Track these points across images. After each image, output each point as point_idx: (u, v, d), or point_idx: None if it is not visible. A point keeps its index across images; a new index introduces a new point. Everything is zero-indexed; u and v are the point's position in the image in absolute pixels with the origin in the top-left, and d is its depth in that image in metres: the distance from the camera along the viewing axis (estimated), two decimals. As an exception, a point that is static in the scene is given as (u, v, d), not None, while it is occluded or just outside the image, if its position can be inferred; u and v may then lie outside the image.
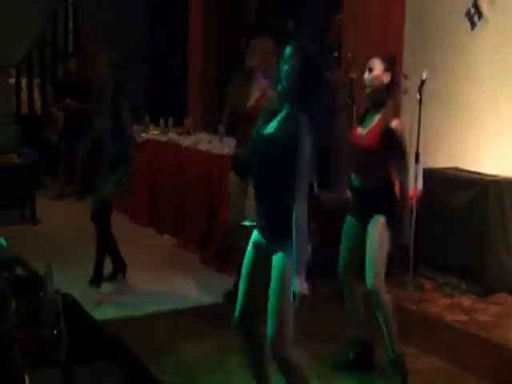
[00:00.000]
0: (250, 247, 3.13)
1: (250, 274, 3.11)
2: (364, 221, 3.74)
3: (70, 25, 10.50)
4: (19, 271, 3.13)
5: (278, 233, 2.97)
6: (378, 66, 3.77)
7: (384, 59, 3.80)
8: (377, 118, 3.75)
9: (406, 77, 5.49)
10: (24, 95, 10.41)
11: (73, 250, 5.40)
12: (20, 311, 2.71)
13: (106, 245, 5.33)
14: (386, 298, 3.67)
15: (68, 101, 8.61)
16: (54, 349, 2.45)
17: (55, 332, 2.55)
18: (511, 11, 5.17)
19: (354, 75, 5.36)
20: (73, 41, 10.48)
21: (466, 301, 4.80)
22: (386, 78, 3.76)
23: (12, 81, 9.86)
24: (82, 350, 2.50)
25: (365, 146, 3.74)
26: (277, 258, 2.94)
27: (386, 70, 3.77)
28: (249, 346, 3.20)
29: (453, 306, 4.70)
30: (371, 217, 3.70)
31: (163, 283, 5.63)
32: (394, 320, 3.67)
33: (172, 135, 7.65)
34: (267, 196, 3.02)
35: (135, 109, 5.95)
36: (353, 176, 3.83)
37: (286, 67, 2.96)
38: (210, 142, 7.03)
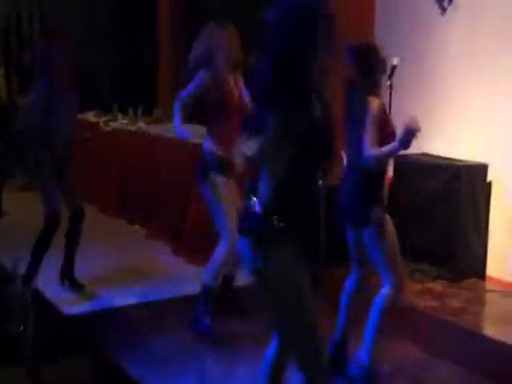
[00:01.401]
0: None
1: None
2: None
3: (36, 13, 10.40)
4: (-15, 266, 3.10)
5: None
6: None
7: None
8: None
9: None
10: (-11, 85, 10.28)
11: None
12: (-14, 307, 2.68)
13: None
14: None
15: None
16: (20, 346, 2.43)
17: (22, 328, 2.53)
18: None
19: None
20: (40, 26, 10.36)
21: (438, 287, 4.83)
22: None
23: (-24, 70, 9.74)
24: (51, 346, 2.48)
25: None
26: None
27: None
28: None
29: (424, 292, 4.73)
30: None
31: (134, 275, 5.61)
32: None
33: (141, 124, 7.60)
34: None
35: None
36: None
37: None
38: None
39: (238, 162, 2.78)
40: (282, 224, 2.44)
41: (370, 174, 3.52)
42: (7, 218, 7.42)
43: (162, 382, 3.80)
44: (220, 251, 4.46)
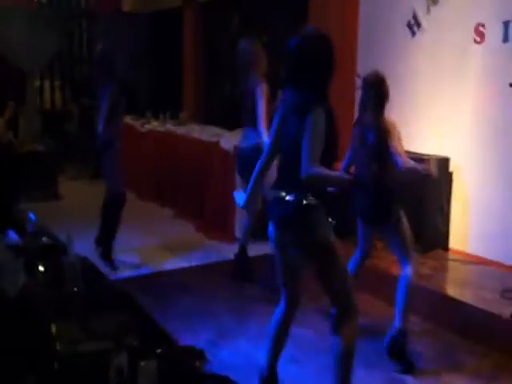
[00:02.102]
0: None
1: None
2: None
3: (84, 37, 10.41)
4: (45, 240, 3.08)
5: None
6: None
7: None
8: None
9: (359, 76, 5.46)
10: (47, 95, 10.28)
11: (89, 220, 5.33)
12: (46, 273, 2.67)
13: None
14: None
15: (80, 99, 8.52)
16: (74, 303, 2.41)
17: (76, 289, 2.51)
18: (443, 21, 5.13)
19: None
20: (87, 51, 10.37)
21: (409, 257, 4.80)
22: None
23: (37, 83, 9.71)
24: (98, 304, 2.46)
25: None
26: None
27: None
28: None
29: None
30: None
31: (165, 247, 5.59)
32: None
33: (169, 126, 7.57)
34: None
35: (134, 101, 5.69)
36: None
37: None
38: (201, 131, 7.00)
39: None
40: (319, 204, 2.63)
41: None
42: (63, 201, 7.42)
43: (186, 332, 3.77)
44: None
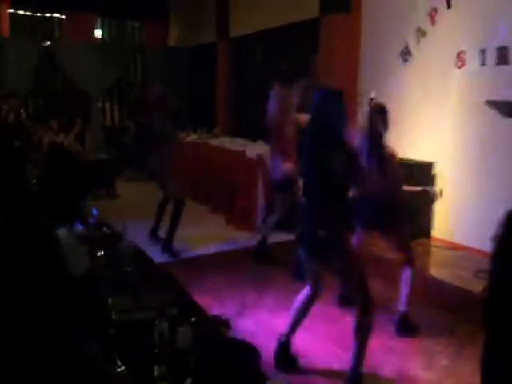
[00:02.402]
0: None
1: None
2: None
3: (138, 67, 10.54)
4: (105, 230, 3.15)
5: None
6: None
7: None
8: None
9: (360, 95, 5.47)
10: (108, 114, 10.43)
11: (140, 214, 5.41)
12: (107, 256, 2.74)
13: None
14: None
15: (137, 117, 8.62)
16: (128, 281, 2.47)
17: (129, 270, 2.57)
18: (430, 50, 5.10)
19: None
20: (141, 78, 10.50)
21: (400, 244, 4.77)
22: None
23: (99, 105, 9.87)
24: (147, 282, 2.50)
25: None
26: None
27: None
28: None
29: (389, 247, 4.67)
30: None
31: (200, 235, 5.63)
32: None
33: (205, 138, 7.64)
34: None
35: (179, 120, 5.78)
36: None
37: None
38: (230, 142, 7.04)
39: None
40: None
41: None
42: (120, 199, 7.52)
43: (215, 304, 3.83)
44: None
